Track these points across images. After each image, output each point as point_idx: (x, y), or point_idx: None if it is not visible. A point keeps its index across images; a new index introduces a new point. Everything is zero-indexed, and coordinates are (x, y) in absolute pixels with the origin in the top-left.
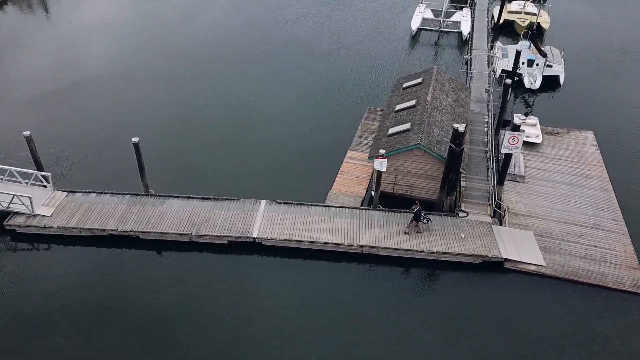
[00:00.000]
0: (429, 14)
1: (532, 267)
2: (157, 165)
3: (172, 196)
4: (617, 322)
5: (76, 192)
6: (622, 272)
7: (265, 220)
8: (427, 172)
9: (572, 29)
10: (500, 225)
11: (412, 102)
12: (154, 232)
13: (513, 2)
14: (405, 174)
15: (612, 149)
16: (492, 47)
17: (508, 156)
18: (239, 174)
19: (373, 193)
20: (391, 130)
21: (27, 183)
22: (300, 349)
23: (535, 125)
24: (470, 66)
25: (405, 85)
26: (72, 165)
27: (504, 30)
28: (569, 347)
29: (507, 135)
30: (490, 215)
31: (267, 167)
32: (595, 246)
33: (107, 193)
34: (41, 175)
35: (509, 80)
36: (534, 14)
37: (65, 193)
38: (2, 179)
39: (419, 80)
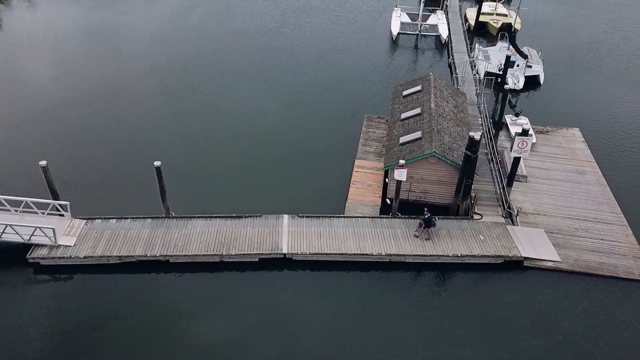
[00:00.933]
0: (406, 18)
1: (549, 264)
2: (172, 185)
3: (195, 217)
4: (637, 310)
5: (95, 218)
6: (630, 263)
7: (291, 235)
8: (440, 178)
9: (542, 28)
10: (513, 225)
11: (417, 110)
12: (184, 255)
13: (483, 3)
14: (420, 181)
15: (599, 144)
16: (471, 50)
17: (517, 159)
18: (252, 190)
19: (388, 200)
20: (402, 140)
21: (43, 213)
22: None
23: (526, 125)
24: (455, 70)
25: (405, 93)
26: (84, 190)
27: (479, 32)
28: (600, 336)
29: (517, 139)
30: (503, 216)
31: (280, 182)
32: (601, 239)
33: (128, 218)
34: (59, 205)
35: (507, 85)
36: (505, 15)
37: (84, 220)
38: (16, 211)
39: (418, 87)
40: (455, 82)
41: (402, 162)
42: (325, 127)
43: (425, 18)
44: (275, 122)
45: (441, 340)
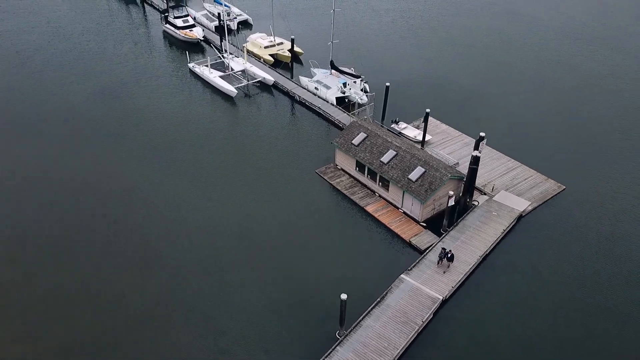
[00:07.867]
0: (219, 72)
1: (530, 208)
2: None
3: (359, 320)
4: (590, 203)
5: None
6: (547, 185)
7: (426, 284)
8: (449, 190)
9: (317, 46)
10: (494, 197)
11: (393, 152)
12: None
13: (260, 38)
14: (439, 198)
15: (451, 119)
16: (301, 83)
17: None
18: (345, 277)
19: (424, 224)
20: (412, 177)
21: None
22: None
23: (407, 127)
24: (319, 106)
25: (355, 142)
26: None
27: (277, 65)
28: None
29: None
30: (485, 194)
31: (346, 263)
32: (526, 179)
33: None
34: None
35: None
36: (281, 43)
37: None
38: None
39: (364, 135)
40: (327, 115)
41: (451, 193)
42: (297, 199)
43: (229, 67)
44: (268, 229)
45: (536, 286)
